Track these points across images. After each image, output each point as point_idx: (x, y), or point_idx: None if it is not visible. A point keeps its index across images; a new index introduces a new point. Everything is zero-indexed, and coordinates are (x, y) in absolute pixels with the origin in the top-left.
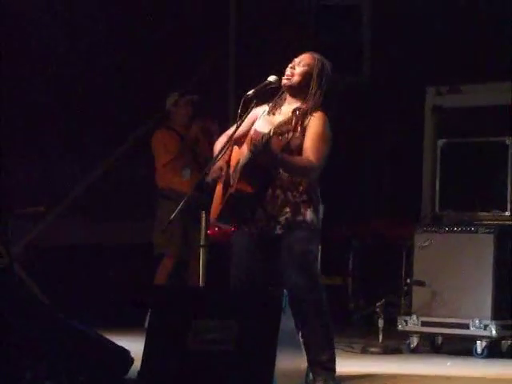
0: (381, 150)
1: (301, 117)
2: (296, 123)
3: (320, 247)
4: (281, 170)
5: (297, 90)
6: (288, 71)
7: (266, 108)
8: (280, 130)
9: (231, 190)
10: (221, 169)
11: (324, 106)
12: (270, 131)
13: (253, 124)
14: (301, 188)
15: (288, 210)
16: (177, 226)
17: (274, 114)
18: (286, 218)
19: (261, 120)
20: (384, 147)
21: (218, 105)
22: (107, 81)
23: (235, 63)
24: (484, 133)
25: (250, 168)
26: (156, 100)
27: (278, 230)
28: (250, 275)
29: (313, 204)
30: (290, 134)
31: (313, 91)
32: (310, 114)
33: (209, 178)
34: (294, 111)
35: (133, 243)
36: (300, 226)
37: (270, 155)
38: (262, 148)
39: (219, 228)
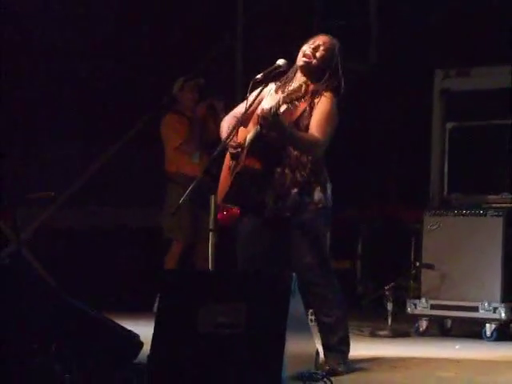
0: (389, 134)
1: (310, 93)
2: (305, 91)
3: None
4: (289, 147)
5: (312, 72)
6: (308, 51)
7: (272, 86)
8: (289, 97)
9: (238, 168)
10: (239, 145)
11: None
12: (279, 101)
13: (259, 103)
14: (308, 168)
15: (296, 190)
16: (186, 210)
17: (283, 92)
18: (294, 199)
19: (268, 98)
20: (392, 131)
21: (225, 89)
22: (114, 66)
23: (243, 47)
24: (492, 116)
25: (258, 143)
26: (163, 85)
27: (287, 212)
28: (255, 262)
29: (320, 183)
30: (300, 103)
31: (328, 77)
32: (320, 95)
33: (232, 150)
34: (305, 82)
35: (142, 227)
36: (308, 206)
37: (279, 126)
38: (272, 119)
39: (228, 211)
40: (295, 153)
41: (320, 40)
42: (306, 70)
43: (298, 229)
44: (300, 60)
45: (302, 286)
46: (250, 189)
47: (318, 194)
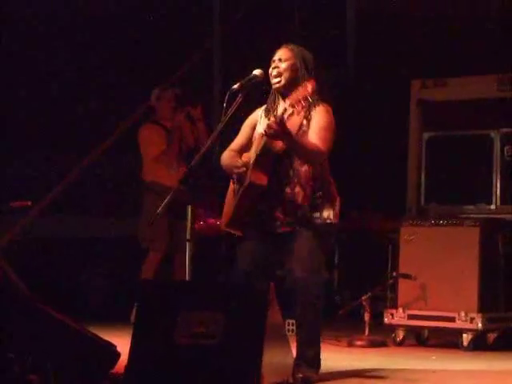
0: (366, 143)
1: (306, 106)
2: (302, 107)
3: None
4: (295, 162)
5: (289, 87)
6: (274, 72)
7: (260, 112)
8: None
9: (245, 185)
10: (244, 165)
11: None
12: (283, 111)
13: (253, 129)
14: (318, 184)
15: (306, 207)
16: (162, 220)
17: (274, 116)
18: (305, 214)
19: (261, 124)
20: (369, 141)
21: (202, 97)
22: (91, 77)
23: (220, 55)
24: (469, 126)
25: (265, 158)
26: (139, 95)
27: (296, 226)
28: (256, 275)
29: (329, 199)
30: (297, 116)
31: (304, 79)
32: (314, 107)
33: (236, 171)
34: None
35: (119, 237)
36: (317, 221)
37: (285, 132)
38: (278, 126)
39: (205, 222)
40: (303, 169)
41: (277, 55)
42: (283, 89)
43: (302, 243)
44: (274, 85)
45: (295, 297)
46: (257, 205)
47: (326, 211)
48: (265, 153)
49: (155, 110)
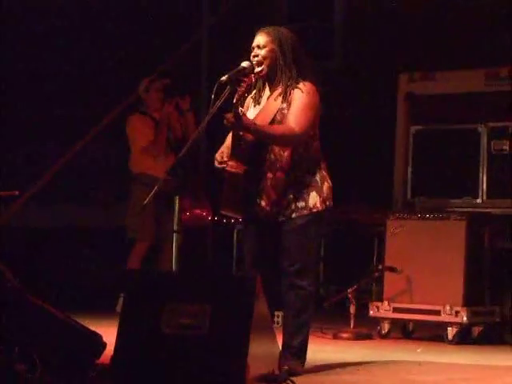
0: (353, 136)
1: (283, 89)
2: (248, 84)
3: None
4: (275, 148)
5: (271, 74)
6: (254, 60)
7: (248, 100)
8: (238, 95)
9: (225, 174)
10: (221, 153)
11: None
12: (235, 102)
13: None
14: (303, 168)
15: (291, 195)
16: (150, 211)
17: (259, 104)
18: (288, 204)
19: (251, 112)
20: (356, 133)
21: (190, 88)
22: (79, 66)
23: (208, 46)
24: (456, 120)
25: (237, 146)
26: (127, 85)
27: (281, 217)
28: (257, 265)
29: (316, 186)
30: (272, 104)
31: (282, 68)
32: (292, 87)
33: (216, 165)
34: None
35: (105, 227)
36: (302, 211)
37: (241, 124)
38: (233, 119)
39: (192, 213)
40: (285, 153)
41: (255, 41)
42: (266, 76)
43: (290, 234)
44: (256, 70)
45: (286, 288)
46: (240, 193)
47: (312, 199)
48: (237, 142)
49: (143, 100)
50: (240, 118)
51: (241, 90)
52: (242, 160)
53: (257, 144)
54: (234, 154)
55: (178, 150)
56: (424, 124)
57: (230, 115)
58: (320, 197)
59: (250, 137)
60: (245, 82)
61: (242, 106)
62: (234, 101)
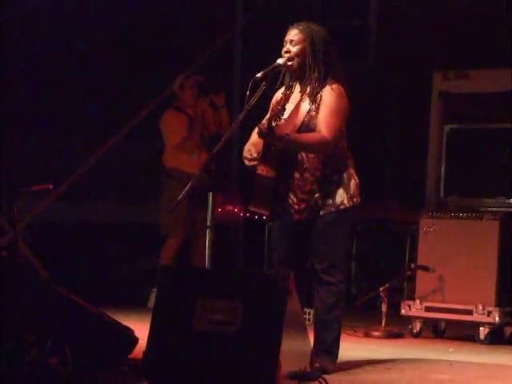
0: (387, 135)
1: (313, 90)
2: (284, 103)
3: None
4: (301, 153)
5: (301, 71)
6: (285, 55)
7: (281, 92)
8: (274, 112)
9: (256, 176)
10: (249, 151)
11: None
12: (269, 116)
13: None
14: (330, 167)
15: (318, 193)
16: (183, 207)
17: (287, 102)
18: (316, 202)
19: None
20: (390, 132)
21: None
22: (113, 61)
23: (241, 44)
24: (490, 119)
25: (268, 152)
26: (163, 81)
27: (309, 215)
28: (285, 263)
29: (343, 183)
30: (282, 113)
31: (311, 67)
32: (321, 88)
33: (247, 163)
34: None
35: (139, 223)
36: (329, 208)
37: (275, 138)
38: (268, 131)
39: (224, 209)
40: (311, 155)
41: (288, 36)
42: (295, 72)
43: (318, 231)
44: (287, 63)
45: (316, 285)
46: (270, 194)
47: (340, 196)
48: (267, 146)
49: (178, 96)
50: (273, 131)
51: (275, 107)
52: (272, 164)
53: (284, 151)
54: (265, 158)
55: (211, 146)
56: (458, 123)
57: (264, 127)
58: (347, 194)
59: (278, 145)
60: (281, 101)
61: (278, 120)
62: (269, 115)
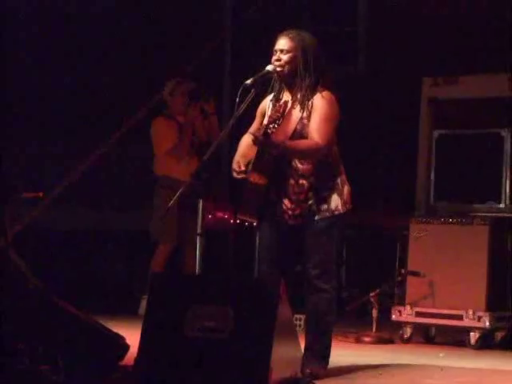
0: (376, 141)
1: (304, 98)
2: (284, 110)
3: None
4: (294, 159)
5: (291, 78)
6: (276, 63)
7: (269, 100)
8: (272, 118)
9: (247, 184)
10: (238, 163)
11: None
12: (266, 123)
13: (264, 117)
14: (324, 172)
15: (312, 199)
16: (173, 214)
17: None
18: (310, 207)
19: (269, 113)
20: (379, 138)
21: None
22: (103, 68)
23: (231, 49)
24: (480, 124)
25: (261, 159)
26: (152, 87)
27: (303, 220)
28: (274, 267)
29: (337, 189)
30: (281, 120)
31: (302, 75)
32: (312, 96)
33: (235, 175)
34: (284, 102)
35: (129, 230)
36: (324, 214)
37: (270, 144)
38: (263, 139)
39: (215, 216)
40: (306, 161)
41: (278, 45)
42: (284, 78)
43: (313, 236)
44: (277, 69)
45: (308, 291)
46: (261, 202)
47: (334, 201)
48: (260, 155)
49: (168, 103)
50: (269, 139)
51: (273, 114)
52: (265, 171)
53: (279, 158)
54: (258, 166)
55: (201, 153)
56: (447, 128)
57: (259, 135)
58: (341, 199)
59: (272, 152)
60: (280, 109)
61: (273, 129)
62: (266, 122)
